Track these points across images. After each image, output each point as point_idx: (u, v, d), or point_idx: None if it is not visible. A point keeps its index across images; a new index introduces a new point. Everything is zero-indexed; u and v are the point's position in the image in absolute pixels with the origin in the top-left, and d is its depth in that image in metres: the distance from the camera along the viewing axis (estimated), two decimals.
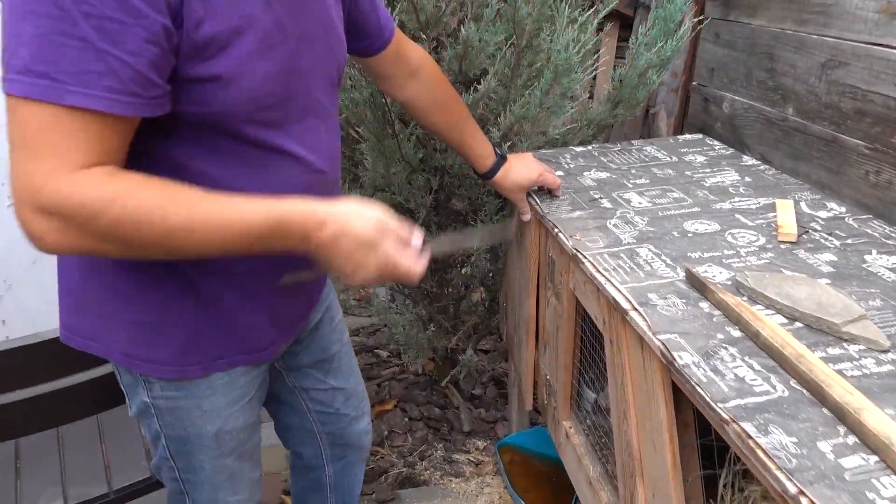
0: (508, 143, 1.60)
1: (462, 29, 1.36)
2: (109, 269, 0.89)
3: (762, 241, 1.21)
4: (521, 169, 1.40)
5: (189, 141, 0.80)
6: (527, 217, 1.44)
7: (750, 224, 1.28)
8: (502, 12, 1.37)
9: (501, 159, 1.41)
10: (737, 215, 1.32)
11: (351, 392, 1.33)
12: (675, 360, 0.90)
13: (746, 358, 0.89)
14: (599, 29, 1.55)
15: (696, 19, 1.77)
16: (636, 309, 1.01)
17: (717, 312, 1.00)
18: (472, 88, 1.52)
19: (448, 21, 1.52)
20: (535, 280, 1.51)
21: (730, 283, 1.08)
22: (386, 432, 2.19)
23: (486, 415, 2.27)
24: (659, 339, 0.94)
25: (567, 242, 1.24)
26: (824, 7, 1.40)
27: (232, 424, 1.04)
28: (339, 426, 1.33)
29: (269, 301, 0.99)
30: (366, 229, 0.80)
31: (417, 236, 0.86)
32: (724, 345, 0.92)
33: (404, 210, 1.81)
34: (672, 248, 1.20)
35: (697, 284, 1.05)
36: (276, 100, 0.83)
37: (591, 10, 1.50)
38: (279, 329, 1.04)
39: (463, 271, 2.11)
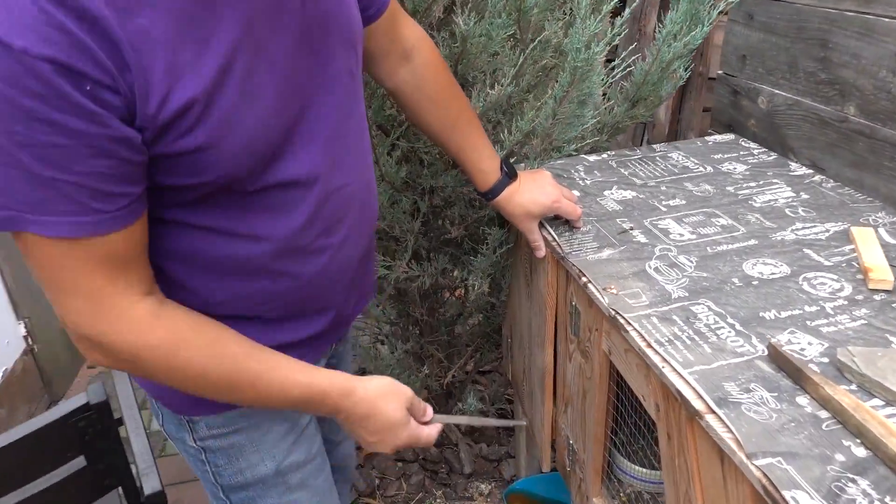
0: (513, 159, 1.32)
1: (458, 20, 1.07)
2: None
3: (848, 289, 0.96)
4: (533, 192, 1.13)
5: (190, 204, 0.72)
6: (541, 253, 1.17)
7: (826, 263, 1.02)
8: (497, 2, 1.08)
9: (508, 177, 1.13)
10: (806, 250, 1.06)
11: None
12: (785, 503, 0.64)
13: (889, 500, 0.63)
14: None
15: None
16: (713, 411, 0.75)
17: (824, 414, 0.74)
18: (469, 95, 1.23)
19: (434, 9, 1.22)
20: (553, 327, 1.25)
21: (826, 360, 0.82)
22: (377, 480, 1.93)
23: (488, 451, 2.02)
24: (756, 466, 0.68)
25: (601, 298, 0.97)
26: None
27: (294, 458, 0.95)
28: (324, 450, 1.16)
29: (311, 317, 0.89)
30: (395, 412, 0.87)
31: (430, 411, 0.94)
32: (849, 476, 0.66)
33: (388, 237, 1.52)
34: (738, 305, 0.93)
35: (789, 368, 0.79)
36: (276, 136, 0.73)
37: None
38: (320, 342, 0.93)
39: (456, 293, 1.84)
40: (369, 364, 1.69)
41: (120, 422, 1.04)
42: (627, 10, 1.23)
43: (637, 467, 1.19)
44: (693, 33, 1.31)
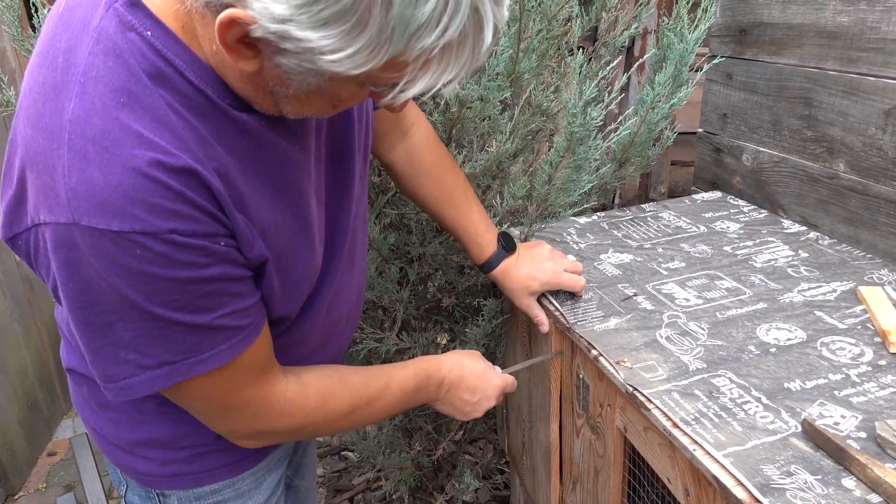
0: (506, 225, 1.28)
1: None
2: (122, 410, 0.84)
3: (869, 354, 0.92)
4: (531, 267, 1.09)
5: None
6: (545, 329, 1.11)
7: (841, 326, 0.99)
8: (495, 66, 1.06)
9: (505, 251, 1.09)
10: (818, 313, 1.03)
11: (305, 492, 1.17)
12: None
13: None
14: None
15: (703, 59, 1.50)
16: (758, 501, 0.69)
17: (875, 499, 0.68)
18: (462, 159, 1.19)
19: None
20: (558, 401, 1.18)
21: (864, 435, 0.77)
22: None
23: None
24: None
25: (616, 373, 0.92)
26: (884, 43, 1.14)
27: None
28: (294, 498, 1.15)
29: None
30: (479, 364, 0.98)
31: (498, 368, 1.02)
32: None
33: (376, 308, 1.46)
34: (760, 375, 0.89)
35: (829, 447, 0.74)
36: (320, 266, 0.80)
37: (614, 61, 1.20)
38: None
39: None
40: (357, 443, 1.59)
41: None
42: (624, 76, 1.23)
43: None
44: (679, 94, 1.31)
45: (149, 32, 0.58)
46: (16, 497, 2.11)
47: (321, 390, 0.79)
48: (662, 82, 1.24)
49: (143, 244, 0.56)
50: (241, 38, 0.54)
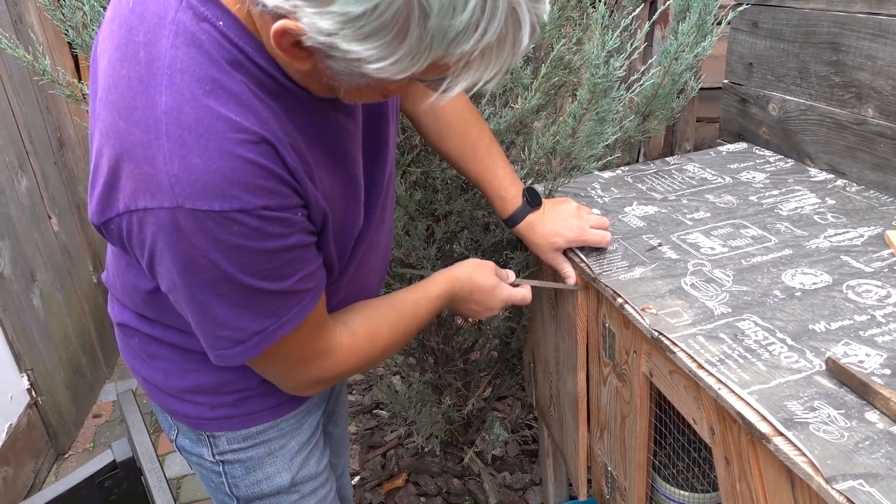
0: (531, 180, 1.29)
1: None
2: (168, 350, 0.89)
3: (895, 295, 0.93)
4: (556, 223, 1.10)
5: None
6: (572, 280, 1.13)
7: (867, 270, 0.99)
8: None
9: (530, 205, 1.11)
10: (844, 257, 1.03)
11: (339, 438, 1.24)
12: None
13: None
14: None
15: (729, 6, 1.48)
16: (782, 434, 0.71)
17: None
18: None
19: None
20: (584, 351, 1.21)
21: (888, 371, 0.78)
22: None
23: (511, 480, 1.97)
24: (838, 491, 0.64)
25: (641, 319, 0.94)
26: None
27: (307, 470, 0.99)
28: None
29: None
30: (488, 279, 1.01)
31: (512, 274, 1.07)
32: None
33: (404, 265, 1.49)
34: (785, 318, 0.90)
35: (852, 383, 0.76)
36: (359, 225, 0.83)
37: (635, 11, 1.19)
38: None
39: (469, 321, 1.80)
40: (389, 398, 1.64)
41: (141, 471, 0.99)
42: (647, 24, 1.22)
43: (681, 491, 1.15)
44: (703, 44, 1.30)
45: (220, 22, 0.61)
46: (66, 456, 2.22)
47: (368, 331, 0.86)
48: (686, 31, 1.23)
49: (240, 220, 0.61)
50: (295, 44, 0.57)
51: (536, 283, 1.13)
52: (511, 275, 1.06)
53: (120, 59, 0.63)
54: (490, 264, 1.03)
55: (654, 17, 1.30)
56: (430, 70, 0.57)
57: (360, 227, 0.83)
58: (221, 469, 0.96)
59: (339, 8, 0.52)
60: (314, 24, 0.54)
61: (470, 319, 1.01)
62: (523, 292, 1.06)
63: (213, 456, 0.95)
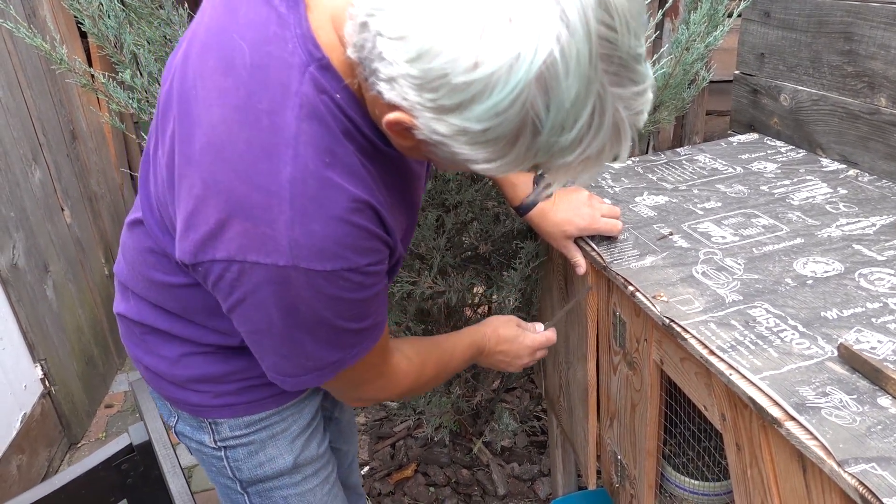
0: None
1: None
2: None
3: None
4: (568, 212, 1.10)
5: None
6: (582, 270, 1.13)
7: (879, 258, 0.99)
8: None
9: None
10: (856, 246, 1.03)
11: (346, 424, 1.24)
12: None
13: None
14: None
15: None
16: (794, 418, 0.71)
17: None
18: None
19: None
20: (594, 340, 1.21)
21: None
22: None
23: (520, 471, 1.98)
24: (851, 474, 0.64)
25: (652, 307, 0.94)
26: None
27: (309, 452, 1.00)
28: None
29: None
30: (510, 331, 1.08)
31: (539, 325, 1.13)
32: None
33: (413, 255, 1.49)
34: (796, 306, 0.90)
35: (865, 369, 0.76)
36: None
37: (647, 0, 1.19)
38: None
39: (479, 310, 1.81)
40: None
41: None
42: (660, 12, 1.22)
43: (691, 480, 1.15)
44: (714, 34, 1.30)
45: (337, 95, 0.65)
46: (78, 445, 2.24)
47: (419, 360, 0.93)
48: (698, 21, 1.22)
49: (346, 277, 0.68)
50: (405, 129, 0.61)
51: (555, 319, 1.18)
52: (539, 326, 1.13)
53: (240, 122, 0.65)
54: (512, 318, 1.10)
55: (665, 6, 1.30)
56: (529, 170, 0.62)
57: None
58: (223, 454, 0.97)
59: (457, 121, 0.55)
60: (430, 126, 0.57)
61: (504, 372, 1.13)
62: (548, 335, 1.11)
63: (215, 442, 0.96)
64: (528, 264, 1.31)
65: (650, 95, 0.59)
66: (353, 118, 0.67)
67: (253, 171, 0.64)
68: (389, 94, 0.58)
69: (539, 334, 1.10)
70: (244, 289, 0.68)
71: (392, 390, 0.91)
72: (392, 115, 0.59)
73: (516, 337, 1.08)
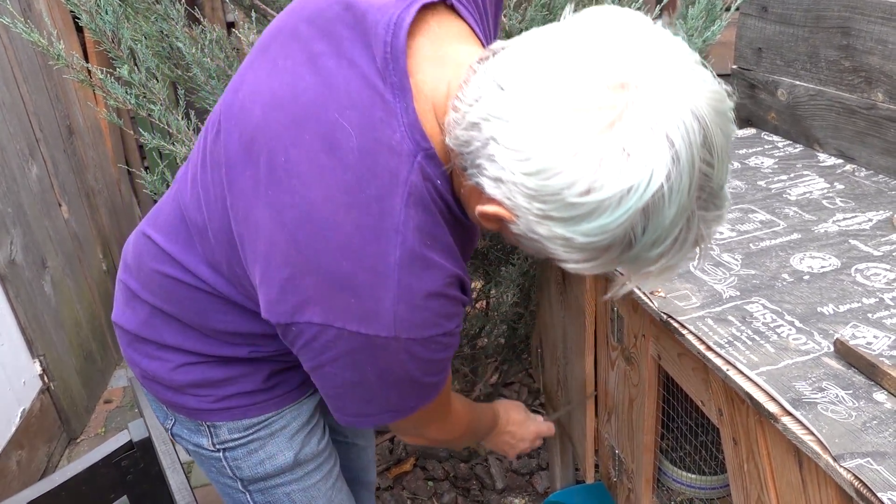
0: None
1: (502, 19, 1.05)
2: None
3: None
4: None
5: None
6: None
7: (876, 254, 1.00)
8: None
9: None
10: (852, 241, 1.03)
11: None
12: None
13: None
14: None
15: None
16: (790, 413, 0.72)
17: None
18: None
19: None
20: (592, 335, 1.22)
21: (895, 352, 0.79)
22: (409, 501, 1.89)
23: (518, 465, 1.99)
24: (846, 469, 0.65)
25: (650, 303, 0.95)
26: None
27: (309, 448, 0.99)
28: (346, 457, 1.20)
29: None
30: (520, 414, 1.18)
31: (541, 417, 1.23)
32: None
33: None
34: (794, 301, 0.91)
35: (861, 364, 0.76)
36: None
37: None
38: None
39: (478, 305, 1.81)
40: None
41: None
42: (657, 8, 1.22)
43: (688, 474, 1.16)
44: (712, 28, 1.30)
45: (438, 181, 0.69)
46: (78, 441, 2.25)
47: (468, 408, 1.02)
48: (695, 16, 1.22)
49: (438, 341, 0.73)
50: (498, 219, 0.64)
51: (556, 414, 1.29)
52: (540, 419, 1.22)
53: (347, 204, 0.67)
54: (519, 404, 1.19)
55: (663, 1, 1.30)
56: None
57: None
58: (222, 455, 0.96)
59: (560, 230, 0.58)
60: (530, 226, 0.60)
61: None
62: (549, 426, 1.21)
63: (213, 445, 0.95)
64: (527, 260, 1.31)
65: (727, 215, 0.65)
66: (448, 201, 0.71)
67: (361, 253, 0.67)
68: (493, 190, 0.61)
69: (542, 423, 1.19)
70: (338, 350, 0.71)
71: (450, 433, 0.96)
72: (491, 209, 0.62)
73: (524, 421, 1.17)
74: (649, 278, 0.64)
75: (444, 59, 0.69)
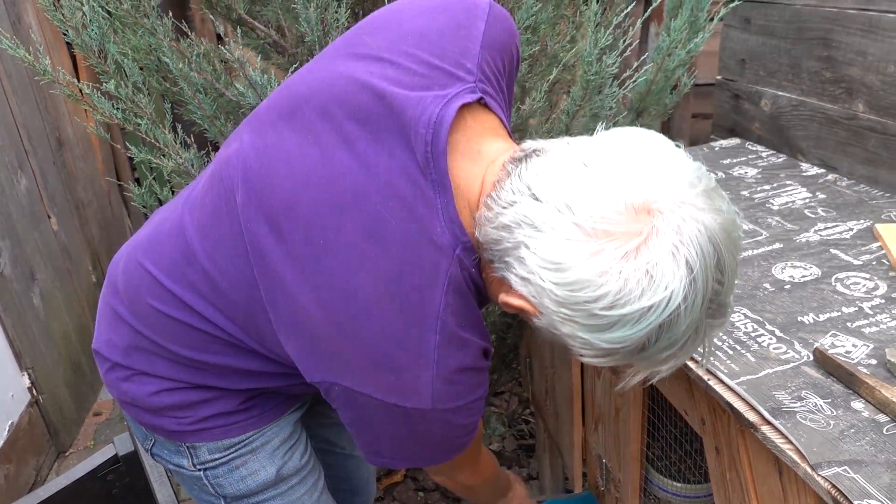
0: None
1: None
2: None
3: (883, 287, 0.94)
4: None
5: None
6: None
7: (856, 263, 1.01)
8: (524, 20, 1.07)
9: None
10: (833, 251, 1.05)
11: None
12: None
13: None
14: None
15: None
16: (769, 422, 0.73)
17: (883, 418, 0.72)
18: None
19: None
20: None
21: (874, 361, 0.80)
22: None
23: None
24: (823, 477, 0.65)
25: None
26: None
27: (292, 463, 0.99)
28: (346, 468, 1.22)
29: None
30: (523, 489, 1.21)
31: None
32: None
33: None
34: (774, 311, 0.92)
35: (839, 373, 0.77)
36: None
37: (627, 8, 1.21)
38: None
39: None
40: None
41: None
42: (639, 21, 1.23)
43: (674, 483, 1.16)
44: (695, 40, 1.31)
45: (473, 269, 0.72)
46: (66, 454, 2.23)
47: (492, 461, 1.07)
48: (678, 28, 1.24)
49: (470, 406, 0.76)
50: (521, 310, 0.68)
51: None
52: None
53: (391, 293, 0.70)
54: (520, 480, 1.24)
55: (646, 14, 1.32)
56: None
57: None
58: (203, 474, 0.95)
59: (582, 333, 0.62)
60: (553, 323, 0.64)
61: None
62: None
63: (194, 465, 0.94)
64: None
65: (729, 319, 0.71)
66: (479, 286, 0.74)
67: (403, 337, 0.70)
68: (520, 288, 0.65)
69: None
70: (380, 415, 0.75)
71: (478, 476, 1.02)
72: (516, 302, 0.67)
73: (527, 498, 1.21)
74: (657, 370, 0.68)
75: (479, 155, 0.72)
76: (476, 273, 0.73)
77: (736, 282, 0.70)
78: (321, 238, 0.71)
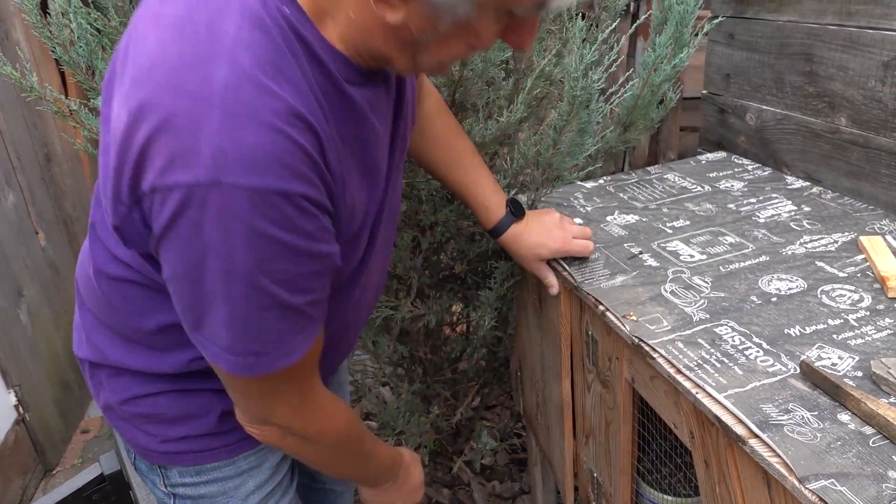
0: (513, 191, 1.32)
1: None
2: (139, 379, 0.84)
3: (868, 300, 0.95)
4: (541, 234, 1.12)
5: None
6: (554, 290, 1.15)
7: (841, 275, 1.02)
8: None
9: (514, 216, 1.12)
10: (819, 263, 1.06)
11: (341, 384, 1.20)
12: None
13: None
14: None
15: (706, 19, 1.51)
16: (757, 436, 0.73)
17: (869, 430, 0.72)
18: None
19: None
20: (568, 358, 1.23)
21: (860, 374, 0.81)
22: None
23: (501, 489, 1.98)
24: (811, 490, 0.66)
25: (622, 326, 0.96)
26: None
27: None
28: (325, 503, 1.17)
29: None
30: (420, 473, 1.06)
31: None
32: None
33: (391, 276, 1.50)
34: (761, 323, 0.92)
35: (825, 386, 0.78)
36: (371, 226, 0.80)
37: (613, 24, 1.22)
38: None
39: (458, 329, 1.82)
40: (378, 409, 1.65)
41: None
42: (624, 37, 1.25)
43: (665, 496, 1.16)
44: (681, 55, 1.33)
45: (285, 8, 0.61)
46: (53, 472, 2.20)
47: (346, 413, 0.85)
48: (663, 44, 1.26)
49: (274, 203, 0.58)
50: None
51: None
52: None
53: (172, 37, 0.60)
54: (418, 457, 1.08)
55: (631, 29, 1.33)
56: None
57: (366, 247, 0.80)
58: (172, 502, 0.91)
59: None
60: None
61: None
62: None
63: (165, 486, 0.90)
64: (503, 284, 1.33)
65: None
66: (304, 37, 0.62)
67: (183, 80, 0.57)
68: None
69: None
70: (164, 222, 0.59)
71: (310, 426, 0.80)
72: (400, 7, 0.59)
73: (420, 483, 1.06)
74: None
75: None
76: (297, 16, 0.62)
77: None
78: (136, 36, 0.63)
